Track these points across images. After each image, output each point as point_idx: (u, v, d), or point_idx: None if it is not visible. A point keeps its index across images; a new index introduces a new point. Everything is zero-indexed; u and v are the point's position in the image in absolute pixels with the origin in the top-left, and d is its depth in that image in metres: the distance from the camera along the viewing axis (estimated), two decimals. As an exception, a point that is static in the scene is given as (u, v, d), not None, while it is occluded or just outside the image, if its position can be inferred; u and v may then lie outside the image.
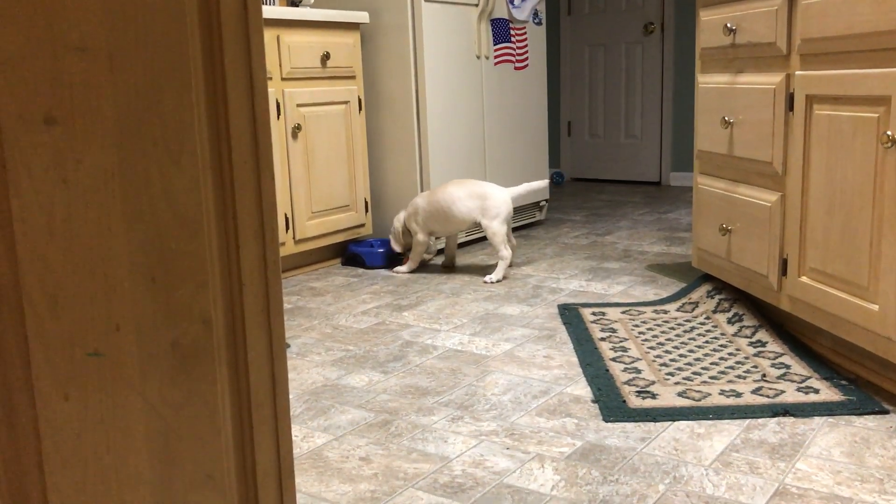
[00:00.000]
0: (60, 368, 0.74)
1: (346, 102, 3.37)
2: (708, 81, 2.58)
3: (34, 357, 0.72)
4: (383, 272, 3.32)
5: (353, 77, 3.39)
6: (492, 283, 3.08)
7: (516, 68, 3.94)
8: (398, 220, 3.31)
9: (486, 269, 3.30)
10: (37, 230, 0.71)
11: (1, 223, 0.69)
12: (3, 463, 0.72)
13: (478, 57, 3.70)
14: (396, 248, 3.33)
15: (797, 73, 2.07)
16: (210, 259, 0.84)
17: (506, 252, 3.10)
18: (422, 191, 3.53)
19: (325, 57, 3.23)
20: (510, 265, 3.29)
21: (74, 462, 0.76)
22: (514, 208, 4.02)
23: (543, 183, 3.30)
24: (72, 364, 0.74)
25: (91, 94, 0.74)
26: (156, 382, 0.81)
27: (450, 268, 3.36)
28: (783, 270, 2.21)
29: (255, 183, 0.88)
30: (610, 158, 5.86)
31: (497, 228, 3.10)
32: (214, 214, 0.85)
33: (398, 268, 3.31)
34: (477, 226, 3.21)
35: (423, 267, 3.39)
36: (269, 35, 3.07)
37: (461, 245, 3.79)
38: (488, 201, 3.11)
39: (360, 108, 3.43)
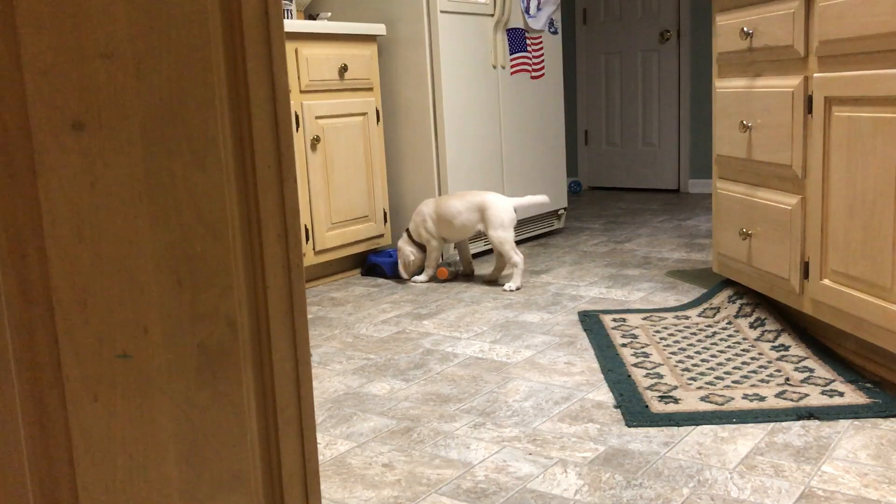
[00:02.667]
0: (90, 369, 0.75)
1: (364, 114, 3.39)
2: (725, 86, 2.58)
3: (64, 358, 0.73)
4: (403, 281, 3.33)
5: (370, 89, 3.41)
6: (512, 290, 3.09)
7: (533, 77, 3.95)
8: (405, 244, 3.31)
9: (505, 278, 3.30)
10: (66, 233, 0.72)
11: (32, 226, 0.71)
12: (34, 462, 0.73)
13: (494, 67, 3.71)
14: (404, 274, 3.32)
15: (815, 75, 2.07)
16: (234, 261, 0.86)
17: (517, 258, 3.10)
18: (440, 200, 3.54)
19: (343, 69, 3.25)
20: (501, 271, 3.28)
21: (104, 462, 0.77)
22: (531, 217, 4.02)
23: (545, 198, 3.27)
24: (101, 365, 0.76)
25: (118, 99, 0.75)
26: (182, 384, 0.82)
27: (469, 275, 3.37)
28: (805, 273, 2.19)
29: (278, 186, 0.89)
30: (627, 166, 5.85)
31: (503, 236, 3.11)
32: (238, 218, 0.86)
33: (416, 277, 3.32)
34: (483, 234, 3.22)
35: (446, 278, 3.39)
36: (287, 48, 3.09)
37: (478, 255, 3.80)
38: (489, 211, 3.12)
39: (378, 120, 3.45)
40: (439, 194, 3.54)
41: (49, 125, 0.71)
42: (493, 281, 3.26)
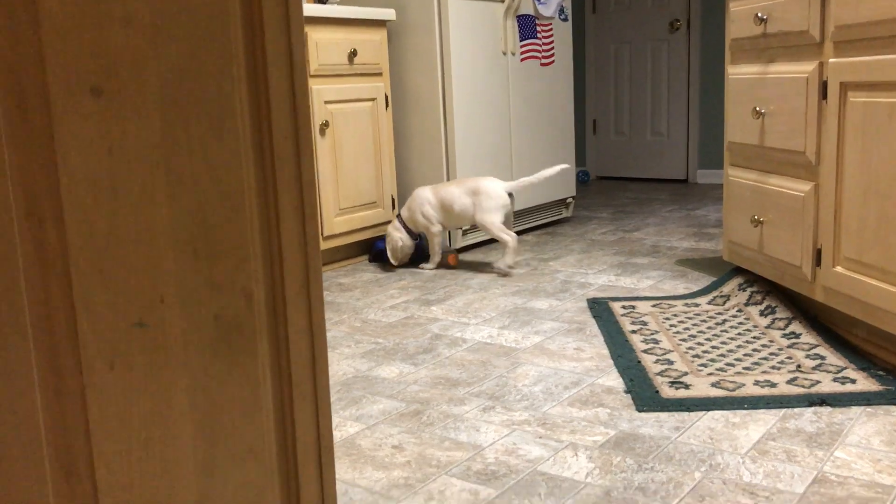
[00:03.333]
0: (106, 337, 0.74)
1: (373, 99, 3.38)
2: (738, 72, 2.56)
3: (81, 325, 0.73)
4: (410, 268, 3.32)
5: (379, 74, 3.40)
6: (506, 268, 3.11)
7: (542, 64, 3.93)
8: (395, 230, 3.27)
9: (516, 267, 3.29)
10: (83, 199, 0.72)
11: (49, 191, 0.70)
12: (50, 429, 0.72)
13: (504, 53, 3.70)
14: (392, 261, 3.28)
15: (831, 60, 2.05)
16: (251, 233, 0.85)
17: (507, 236, 3.09)
18: (449, 187, 3.53)
19: (353, 54, 3.24)
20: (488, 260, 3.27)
21: (120, 431, 0.76)
22: (539, 206, 4.01)
23: (550, 171, 3.22)
24: (117, 334, 0.75)
25: (135, 65, 0.74)
26: (198, 355, 0.82)
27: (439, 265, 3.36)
28: (817, 261, 2.18)
29: (295, 158, 0.88)
30: (636, 156, 5.83)
31: (489, 220, 3.10)
32: (255, 189, 0.85)
33: (424, 265, 3.31)
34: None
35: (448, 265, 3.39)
36: (296, 32, 3.08)
37: (488, 242, 3.78)
38: (480, 196, 3.12)
39: (387, 105, 3.44)
40: (448, 181, 3.53)
41: (67, 89, 0.70)
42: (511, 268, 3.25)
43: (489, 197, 3.11)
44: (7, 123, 0.68)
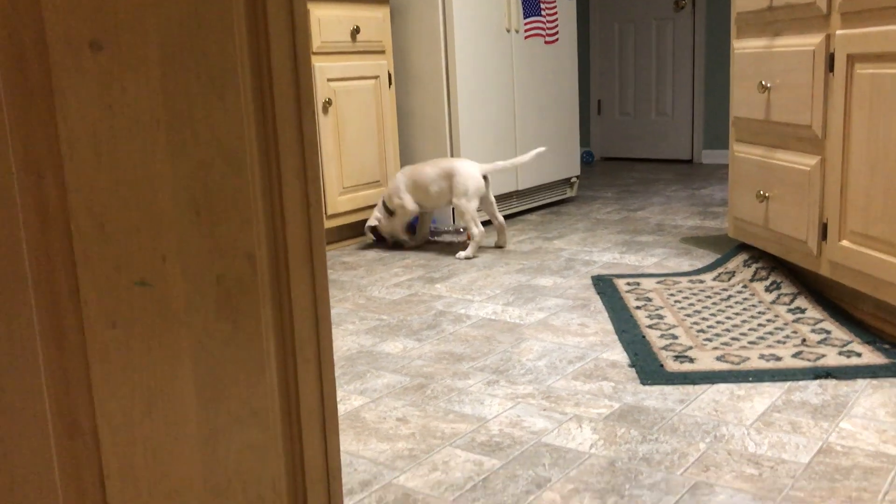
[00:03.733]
0: (108, 296, 0.74)
1: (375, 77, 3.36)
2: (744, 47, 2.54)
3: (82, 283, 0.72)
4: (414, 247, 3.32)
5: (382, 52, 3.38)
6: (461, 259, 3.06)
7: (546, 42, 3.90)
8: (377, 209, 3.24)
9: (521, 246, 3.29)
10: (84, 155, 0.71)
11: (48, 147, 0.69)
12: (54, 388, 0.72)
13: (508, 30, 3.67)
14: (369, 236, 3.27)
15: (838, 32, 2.03)
16: (253, 195, 0.84)
17: (476, 230, 3.05)
18: (452, 166, 3.52)
19: (355, 31, 3.22)
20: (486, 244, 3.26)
21: (123, 390, 0.76)
22: (543, 185, 4.00)
23: (525, 157, 3.17)
24: (119, 292, 0.75)
25: (135, 20, 0.73)
26: (201, 316, 0.81)
27: (417, 247, 3.32)
28: (823, 235, 2.17)
29: (297, 120, 0.87)
30: (640, 137, 5.80)
31: (464, 206, 3.05)
32: (257, 150, 0.84)
33: (408, 242, 3.28)
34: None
35: (449, 243, 3.38)
36: (299, 9, 3.06)
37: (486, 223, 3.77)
38: (455, 179, 3.07)
39: (390, 83, 3.42)
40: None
41: (66, 43, 0.69)
42: (502, 247, 3.23)
43: (465, 180, 3.06)
44: (6, 79, 0.67)
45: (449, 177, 3.10)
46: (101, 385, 0.75)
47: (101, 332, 0.74)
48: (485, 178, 3.11)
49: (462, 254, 3.07)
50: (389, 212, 3.24)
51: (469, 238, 3.22)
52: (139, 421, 0.77)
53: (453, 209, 3.49)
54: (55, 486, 0.73)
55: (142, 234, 0.76)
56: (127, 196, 0.74)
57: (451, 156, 3.51)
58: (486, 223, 3.72)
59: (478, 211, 3.15)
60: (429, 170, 3.14)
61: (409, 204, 3.18)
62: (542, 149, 3.27)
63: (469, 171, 3.08)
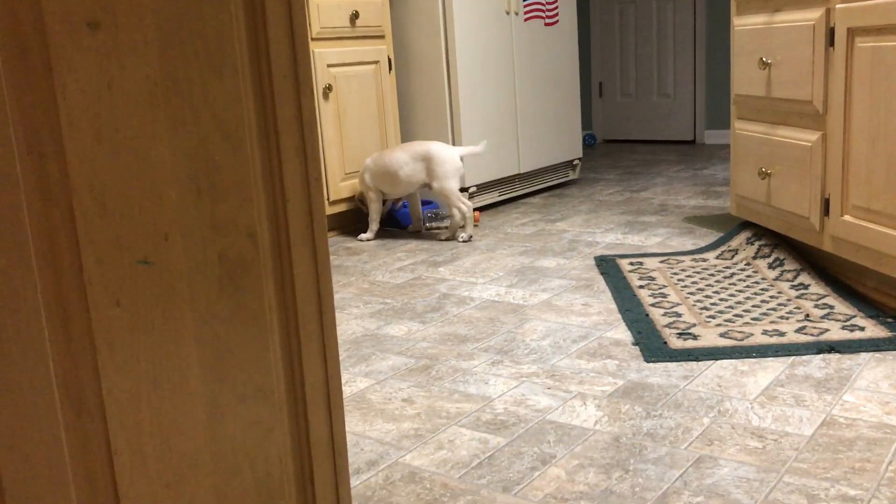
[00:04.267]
0: (111, 274, 0.75)
1: (375, 62, 3.35)
2: (744, 23, 2.53)
3: (86, 261, 0.73)
4: (416, 233, 3.32)
5: (382, 36, 3.37)
6: (464, 241, 3.05)
7: (546, 24, 3.89)
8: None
9: (523, 228, 3.29)
10: (84, 135, 0.72)
11: (49, 126, 0.70)
12: (60, 367, 0.73)
13: (507, 13, 3.66)
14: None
15: (838, 6, 2.02)
16: (253, 173, 0.85)
17: (464, 206, 3.03)
18: (454, 150, 3.52)
19: (354, 16, 3.21)
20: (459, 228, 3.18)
21: (128, 368, 0.77)
22: (545, 168, 3.99)
23: (478, 148, 3.14)
24: (122, 270, 0.75)
25: (132, -1, 0.74)
26: (204, 294, 0.82)
27: (417, 232, 3.30)
28: (825, 210, 2.17)
29: (296, 98, 0.87)
30: (642, 118, 5.79)
31: (448, 186, 3.02)
32: (256, 128, 0.85)
33: (361, 235, 3.22)
34: (426, 186, 3.12)
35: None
36: (297, -5, 3.05)
37: (495, 205, 3.77)
38: (433, 162, 3.03)
39: (390, 68, 3.42)
40: (453, 143, 3.51)
41: (64, 22, 0.69)
42: (452, 238, 3.14)
43: (444, 162, 3.02)
44: (5, 60, 0.67)
45: (425, 160, 3.05)
46: (107, 363, 0.75)
47: (105, 311, 0.74)
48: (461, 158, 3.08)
49: (463, 235, 3.07)
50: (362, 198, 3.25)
51: (476, 219, 3.23)
52: (145, 398, 0.78)
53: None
54: (64, 463, 0.74)
55: (143, 213, 0.76)
56: (128, 174, 0.75)
57: (453, 141, 3.50)
58: (504, 203, 3.72)
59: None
60: (399, 154, 3.09)
61: (372, 190, 3.16)
62: (484, 141, 3.19)
63: (447, 153, 3.04)
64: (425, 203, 3.39)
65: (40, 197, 0.70)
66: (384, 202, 3.29)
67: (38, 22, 0.68)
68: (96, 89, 0.72)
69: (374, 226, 3.21)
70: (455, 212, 3.05)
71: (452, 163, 3.04)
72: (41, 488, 0.73)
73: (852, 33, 1.97)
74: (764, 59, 2.38)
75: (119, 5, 0.72)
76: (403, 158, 3.08)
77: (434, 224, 3.33)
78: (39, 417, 0.73)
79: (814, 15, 2.13)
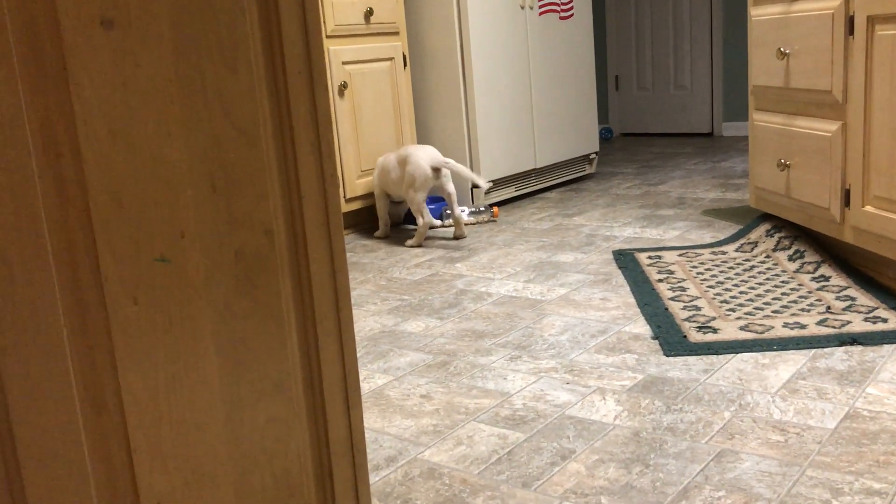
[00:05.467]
0: (128, 272, 0.75)
1: (390, 59, 3.35)
2: (761, 13, 2.51)
3: (103, 259, 0.73)
4: (434, 228, 3.32)
5: (396, 33, 3.37)
6: (408, 247, 3.02)
7: (561, 18, 3.87)
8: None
9: (540, 223, 3.28)
10: (99, 132, 0.72)
11: (65, 125, 0.70)
12: (79, 365, 0.73)
13: (522, 7, 3.64)
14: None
15: (857, -6, 1.99)
16: (268, 169, 0.85)
17: (421, 220, 2.97)
18: (469, 145, 3.51)
19: (369, 13, 3.21)
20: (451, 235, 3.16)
21: (146, 365, 0.77)
22: (562, 163, 3.97)
23: (468, 173, 3.05)
24: (139, 268, 0.75)
25: (145, -3, 0.74)
26: (221, 291, 0.82)
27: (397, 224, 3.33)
28: (846, 201, 2.14)
29: (310, 94, 0.87)
30: (659, 111, 5.75)
31: (410, 195, 2.98)
32: (271, 124, 0.85)
33: (376, 232, 3.25)
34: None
35: (472, 224, 3.37)
36: (311, -7, 3.05)
37: (511, 200, 3.76)
38: (407, 167, 2.99)
39: (405, 65, 3.41)
40: (469, 139, 3.50)
41: (78, 21, 0.70)
42: (458, 238, 3.10)
43: (413, 170, 2.96)
44: (21, 58, 0.68)
45: (403, 164, 3.02)
46: (125, 361, 0.76)
47: (122, 309, 0.75)
48: (438, 169, 2.97)
49: (409, 242, 3.04)
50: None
51: (496, 214, 3.23)
52: (163, 396, 0.78)
53: (472, 194, 3.49)
54: (84, 460, 0.74)
55: (159, 210, 0.76)
56: (143, 172, 0.75)
57: (468, 137, 3.49)
58: (521, 198, 3.71)
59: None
60: (392, 156, 3.09)
61: (378, 188, 3.17)
62: (483, 184, 3.07)
63: (417, 162, 2.96)
64: (436, 200, 3.38)
65: (57, 195, 0.70)
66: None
67: (53, 21, 0.69)
68: (111, 87, 0.72)
69: (381, 223, 3.21)
70: (418, 219, 3.01)
71: (420, 172, 2.95)
72: (61, 486, 0.73)
73: (872, 21, 1.95)
74: (782, 49, 2.36)
75: (132, 3, 0.72)
76: (393, 162, 3.07)
77: (413, 227, 3.30)
78: (59, 415, 0.73)
79: (833, 3, 2.11)
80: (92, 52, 0.71)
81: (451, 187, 3.02)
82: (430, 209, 3.36)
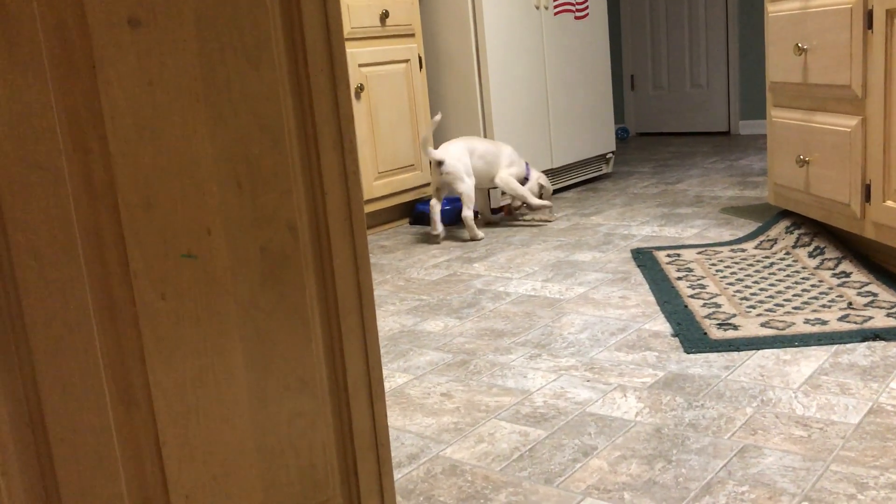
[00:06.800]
0: (156, 268, 0.76)
1: (406, 61, 3.36)
2: (779, 9, 2.50)
3: (131, 256, 0.74)
4: (452, 229, 3.32)
5: (412, 35, 3.38)
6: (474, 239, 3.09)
7: (576, 17, 3.87)
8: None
9: (558, 223, 3.27)
10: (127, 130, 0.73)
11: (93, 122, 0.71)
12: (108, 360, 0.74)
13: (537, 7, 3.65)
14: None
15: (875, -12, 1.98)
16: (292, 167, 0.85)
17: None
18: (486, 146, 3.51)
19: (384, 15, 3.22)
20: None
21: (174, 358, 0.78)
22: (579, 162, 3.96)
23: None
24: (167, 264, 0.76)
25: (171, -3, 0.75)
26: (247, 287, 0.83)
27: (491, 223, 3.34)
28: (866, 196, 2.13)
29: (332, 92, 0.88)
30: (676, 110, 5.73)
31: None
32: (294, 123, 0.85)
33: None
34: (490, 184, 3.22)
35: (492, 223, 3.37)
36: (327, -4, 3.07)
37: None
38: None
39: (421, 66, 3.42)
40: (484, 138, 3.50)
41: (106, 21, 0.71)
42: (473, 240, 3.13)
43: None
44: (51, 57, 0.69)
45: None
46: (154, 355, 0.77)
47: (151, 304, 0.76)
48: (441, 162, 3.02)
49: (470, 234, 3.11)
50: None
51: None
52: (191, 390, 0.79)
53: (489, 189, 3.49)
54: (115, 454, 0.75)
55: (186, 207, 0.77)
56: (170, 170, 0.76)
57: (484, 136, 3.50)
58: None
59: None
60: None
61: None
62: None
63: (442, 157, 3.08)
64: (452, 201, 3.38)
65: (86, 193, 0.71)
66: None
67: (82, 21, 0.70)
68: (138, 86, 0.73)
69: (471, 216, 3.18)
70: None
71: (434, 167, 3.10)
72: (92, 479, 0.74)
73: (891, 14, 1.94)
74: (800, 44, 2.35)
75: (159, 3, 0.73)
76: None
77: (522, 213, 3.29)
78: (90, 410, 0.74)
79: (851, -2, 2.10)
80: (119, 51, 0.72)
81: (452, 185, 3.08)
82: (447, 210, 3.37)
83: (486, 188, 3.31)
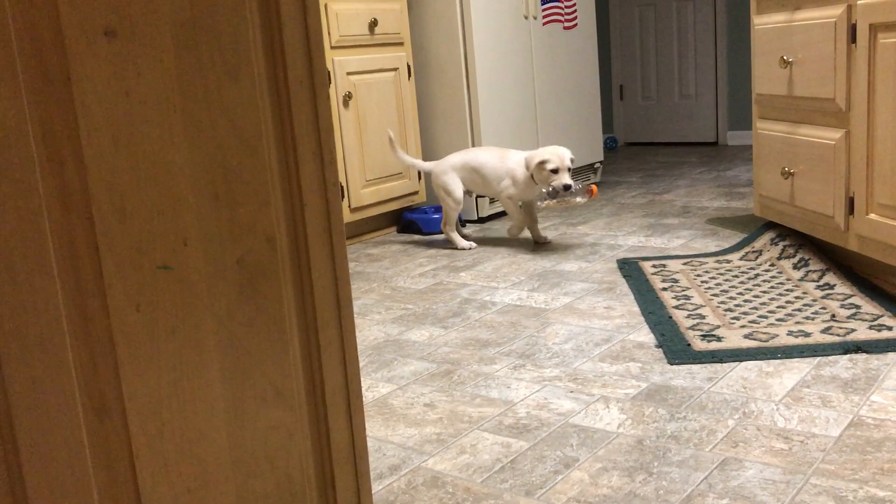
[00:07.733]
0: (131, 279, 0.75)
1: (395, 69, 3.36)
2: (764, 22, 2.51)
3: (105, 267, 0.74)
4: (439, 238, 3.32)
5: (401, 43, 3.39)
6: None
7: (565, 27, 3.88)
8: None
9: (545, 232, 3.28)
10: (103, 141, 0.72)
11: (68, 134, 0.71)
12: (81, 371, 0.74)
13: (525, 17, 3.66)
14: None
15: (859, 2, 2.00)
16: (270, 178, 0.85)
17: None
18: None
19: (373, 24, 3.22)
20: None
21: (149, 371, 0.77)
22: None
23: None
24: (142, 275, 0.76)
25: (148, 7, 0.74)
26: (224, 298, 0.82)
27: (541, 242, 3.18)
28: (850, 209, 2.14)
29: (311, 103, 0.88)
30: (664, 120, 5.76)
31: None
32: (273, 133, 0.85)
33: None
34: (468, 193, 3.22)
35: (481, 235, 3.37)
36: (316, 4, 3.07)
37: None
38: None
39: (410, 75, 3.43)
40: (472, 147, 3.51)
41: (81, 32, 0.70)
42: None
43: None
44: (25, 68, 0.68)
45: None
46: (128, 367, 0.76)
47: (125, 316, 0.75)
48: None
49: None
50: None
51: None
52: (166, 402, 0.79)
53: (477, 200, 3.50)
54: (87, 466, 0.75)
55: (162, 218, 0.77)
56: (146, 181, 0.76)
57: (472, 145, 3.50)
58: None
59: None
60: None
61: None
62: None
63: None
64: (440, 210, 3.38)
65: (60, 203, 0.71)
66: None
67: (56, 31, 0.69)
68: (114, 97, 0.73)
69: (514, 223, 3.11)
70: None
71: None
72: (64, 493, 0.74)
73: (875, 29, 1.95)
74: (785, 57, 2.36)
75: (135, 13, 0.73)
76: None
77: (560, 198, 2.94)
78: (62, 421, 0.73)
79: (835, 12, 2.11)
80: (95, 61, 0.71)
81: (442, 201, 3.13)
82: (435, 218, 3.37)
83: (531, 209, 3.07)
